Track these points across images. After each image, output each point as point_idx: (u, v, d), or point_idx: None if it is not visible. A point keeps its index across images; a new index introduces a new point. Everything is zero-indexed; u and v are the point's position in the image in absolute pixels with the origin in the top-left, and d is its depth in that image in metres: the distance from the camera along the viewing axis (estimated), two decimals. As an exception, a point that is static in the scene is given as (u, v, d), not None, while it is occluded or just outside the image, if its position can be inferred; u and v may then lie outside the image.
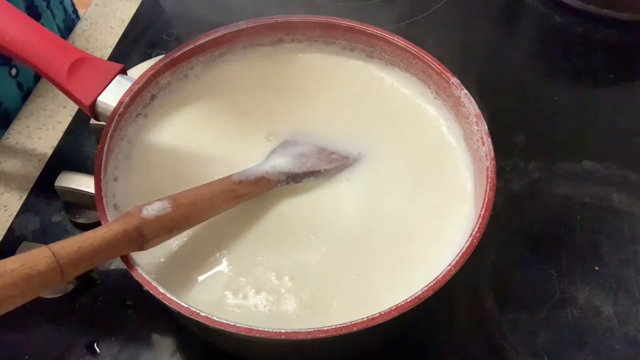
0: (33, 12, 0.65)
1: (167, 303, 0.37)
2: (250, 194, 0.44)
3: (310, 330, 0.35)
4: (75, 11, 0.74)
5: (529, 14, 0.73)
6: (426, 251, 0.43)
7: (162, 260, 0.42)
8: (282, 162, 0.46)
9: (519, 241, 0.53)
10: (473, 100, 0.46)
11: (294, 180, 0.46)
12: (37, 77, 0.66)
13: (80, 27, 0.72)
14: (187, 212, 0.41)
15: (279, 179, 0.45)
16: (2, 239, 0.54)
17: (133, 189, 0.45)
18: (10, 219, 0.55)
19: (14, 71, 0.63)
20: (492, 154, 0.43)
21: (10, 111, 0.63)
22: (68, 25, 0.71)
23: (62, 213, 0.54)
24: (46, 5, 0.67)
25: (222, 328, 0.36)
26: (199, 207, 0.41)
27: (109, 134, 0.44)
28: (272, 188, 0.45)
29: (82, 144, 0.59)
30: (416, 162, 0.48)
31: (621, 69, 0.67)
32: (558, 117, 0.62)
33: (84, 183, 0.52)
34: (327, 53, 0.53)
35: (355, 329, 0.35)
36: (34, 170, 0.59)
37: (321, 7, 0.70)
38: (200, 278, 0.42)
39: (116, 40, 0.69)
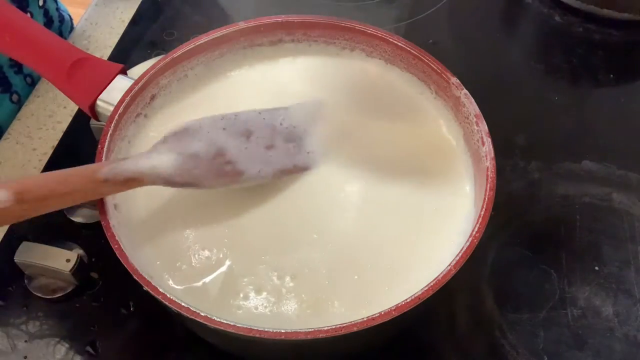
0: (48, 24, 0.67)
1: (167, 303, 0.37)
2: (116, 192, 0.40)
3: (310, 330, 0.35)
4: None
5: (529, 14, 0.73)
6: (426, 251, 0.43)
7: (162, 260, 0.42)
8: (164, 163, 0.38)
9: (519, 241, 0.53)
10: (473, 100, 0.46)
11: (172, 186, 0.40)
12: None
13: (80, 27, 0.72)
14: (31, 209, 0.35)
15: (154, 182, 0.40)
16: (2, 239, 0.54)
17: (133, 189, 0.45)
18: (10, 219, 0.55)
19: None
20: (492, 154, 0.43)
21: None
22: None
23: (62, 213, 0.54)
24: (59, 19, 0.68)
25: (222, 328, 0.36)
26: (49, 204, 0.36)
27: (109, 134, 0.44)
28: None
29: (82, 144, 0.59)
30: (416, 162, 0.48)
31: (621, 69, 0.67)
32: (558, 117, 0.62)
33: (84, 183, 0.52)
34: (327, 53, 0.53)
35: (355, 329, 0.35)
36: (34, 170, 0.59)
37: (321, 7, 0.70)
38: (200, 278, 0.42)
39: (116, 40, 0.69)
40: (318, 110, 0.43)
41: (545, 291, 0.50)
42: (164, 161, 0.38)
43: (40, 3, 0.65)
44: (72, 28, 0.73)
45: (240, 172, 0.41)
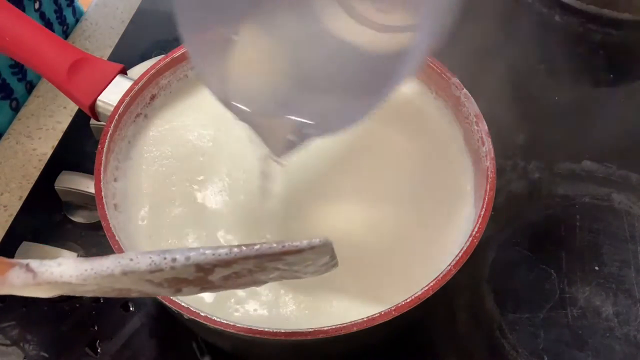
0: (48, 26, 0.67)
1: (167, 303, 0.37)
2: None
3: (310, 330, 0.35)
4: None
5: (529, 14, 0.73)
6: (426, 251, 0.43)
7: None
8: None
9: (519, 241, 0.53)
10: (473, 100, 0.46)
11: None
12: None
13: (80, 27, 0.72)
14: None
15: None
16: (2, 239, 0.54)
17: (133, 189, 0.45)
18: (10, 219, 0.55)
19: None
20: (492, 154, 0.43)
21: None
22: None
23: (62, 213, 0.54)
24: (58, 21, 0.68)
25: (222, 328, 0.36)
26: None
27: (109, 134, 0.44)
28: None
29: (82, 144, 0.59)
30: (416, 162, 0.48)
31: (621, 69, 0.67)
32: (558, 117, 0.62)
33: (84, 183, 0.52)
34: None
35: (355, 329, 0.35)
36: (34, 170, 0.59)
37: (321, 7, 0.70)
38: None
39: (116, 40, 0.69)
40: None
41: (545, 291, 0.50)
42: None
43: (36, 6, 0.65)
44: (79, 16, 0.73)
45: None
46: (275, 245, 0.29)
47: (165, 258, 0.29)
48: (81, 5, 0.74)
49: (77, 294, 0.31)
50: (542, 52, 0.70)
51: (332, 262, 0.31)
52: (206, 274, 0.29)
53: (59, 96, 0.64)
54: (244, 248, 0.29)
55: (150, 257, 0.29)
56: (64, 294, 0.31)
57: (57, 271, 0.29)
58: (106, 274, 0.29)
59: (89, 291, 0.30)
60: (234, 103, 0.36)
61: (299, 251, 0.29)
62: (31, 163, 0.60)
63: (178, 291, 0.31)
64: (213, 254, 0.29)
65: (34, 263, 0.30)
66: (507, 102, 0.62)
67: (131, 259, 0.29)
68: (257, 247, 0.29)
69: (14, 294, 0.30)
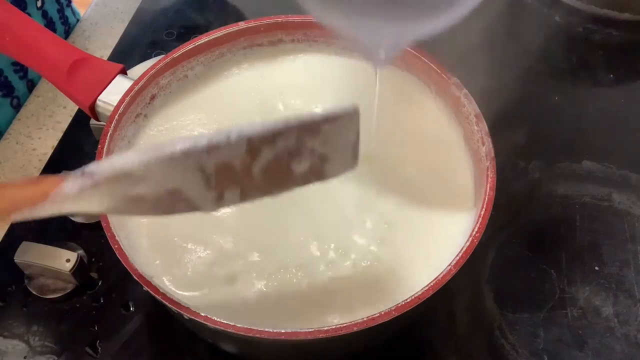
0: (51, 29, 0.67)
1: (167, 303, 0.37)
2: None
3: (310, 330, 0.35)
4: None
5: (529, 14, 0.73)
6: (426, 251, 0.43)
7: (161, 260, 0.42)
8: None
9: (519, 241, 0.53)
10: (473, 100, 0.46)
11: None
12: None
13: (80, 27, 0.72)
14: None
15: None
16: (2, 238, 0.54)
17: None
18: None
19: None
20: (492, 154, 0.43)
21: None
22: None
23: (62, 213, 0.54)
24: (61, 20, 0.68)
25: (222, 328, 0.36)
26: None
27: (109, 134, 0.44)
28: None
29: (82, 144, 0.59)
30: (416, 162, 0.48)
31: (621, 69, 0.67)
32: (558, 117, 0.62)
33: (84, 183, 0.52)
34: (328, 53, 0.53)
35: (355, 329, 0.35)
36: (34, 170, 0.59)
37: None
38: (200, 277, 0.42)
39: (116, 40, 0.69)
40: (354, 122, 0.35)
41: (545, 291, 0.50)
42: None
43: (39, 4, 0.65)
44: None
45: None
46: (314, 113, 0.33)
47: (220, 134, 0.31)
48: (78, 10, 0.74)
49: (127, 202, 0.31)
50: (542, 52, 0.70)
51: (354, 155, 0.36)
52: (252, 158, 0.31)
53: (59, 96, 0.64)
54: (288, 120, 0.32)
55: (208, 136, 0.31)
56: (111, 209, 0.31)
57: (119, 162, 0.30)
58: (167, 157, 0.30)
59: (143, 195, 0.30)
60: (335, 23, 0.39)
61: (335, 118, 0.33)
62: (31, 163, 0.60)
63: (221, 198, 0.32)
64: (262, 127, 0.32)
65: (89, 167, 0.30)
66: (507, 102, 0.62)
67: (190, 140, 0.30)
68: (298, 118, 0.33)
69: (64, 211, 0.29)
